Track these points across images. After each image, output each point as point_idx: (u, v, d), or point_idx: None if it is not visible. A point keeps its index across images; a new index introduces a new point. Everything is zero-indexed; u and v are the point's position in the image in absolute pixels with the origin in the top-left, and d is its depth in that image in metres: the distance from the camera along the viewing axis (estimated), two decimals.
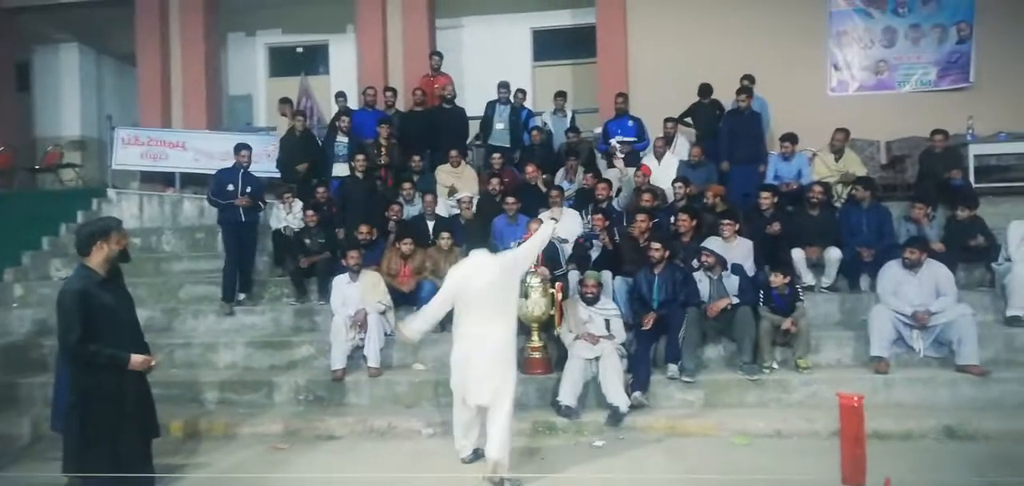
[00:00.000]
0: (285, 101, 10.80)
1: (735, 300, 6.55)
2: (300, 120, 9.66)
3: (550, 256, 7.10)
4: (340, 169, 9.27)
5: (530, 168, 8.70)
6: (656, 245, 6.77)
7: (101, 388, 4.13)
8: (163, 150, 11.07)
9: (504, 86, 9.93)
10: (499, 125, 9.85)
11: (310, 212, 8.30)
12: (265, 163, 9.99)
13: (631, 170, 8.79)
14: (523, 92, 10.33)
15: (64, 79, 14.02)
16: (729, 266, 6.77)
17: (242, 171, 8.10)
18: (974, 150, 9.22)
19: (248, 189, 8.05)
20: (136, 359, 4.21)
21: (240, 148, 8.22)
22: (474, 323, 4.91)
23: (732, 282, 6.69)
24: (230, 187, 8.01)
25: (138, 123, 11.89)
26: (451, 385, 5.16)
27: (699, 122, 9.57)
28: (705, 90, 9.55)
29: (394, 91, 10.35)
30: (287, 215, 8.60)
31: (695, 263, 6.90)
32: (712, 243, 7.04)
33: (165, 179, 11.22)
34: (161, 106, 11.86)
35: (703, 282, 6.74)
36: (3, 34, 12.62)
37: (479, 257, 5.10)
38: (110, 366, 4.12)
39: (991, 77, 10.27)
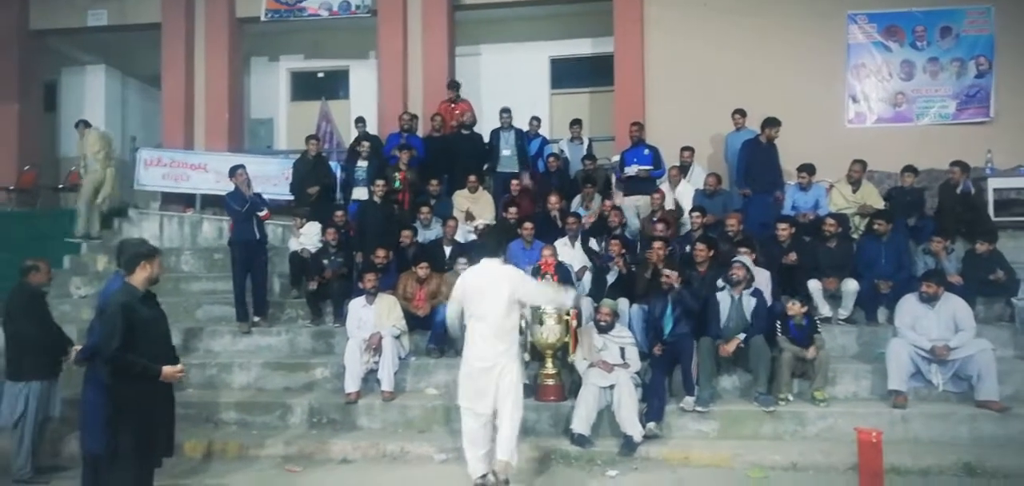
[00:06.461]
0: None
1: (742, 337, 6.49)
2: (314, 144, 9.77)
3: (562, 276, 7.12)
4: (360, 193, 9.36)
5: (553, 198, 8.73)
6: (668, 271, 6.76)
7: (135, 401, 4.36)
8: (185, 172, 11.24)
9: (506, 112, 9.99)
10: (506, 151, 9.87)
11: (331, 230, 8.36)
12: (283, 186, 10.12)
13: (644, 199, 8.83)
14: (537, 119, 10.41)
15: (90, 100, 14.26)
16: (752, 286, 6.75)
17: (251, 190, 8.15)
18: (994, 183, 9.15)
19: (264, 208, 8.14)
20: (167, 370, 4.46)
21: (235, 169, 8.17)
22: (479, 332, 5.10)
23: (750, 303, 6.65)
24: (244, 207, 8.03)
25: (161, 144, 12.09)
26: (458, 398, 5.26)
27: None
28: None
29: (414, 116, 10.45)
30: (299, 238, 8.68)
31: (720, 282, 6.87)
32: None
33: (185, 200, 11.36)
34: (184, 128, 12.05)
35: (724, 301, 6.71)
36: (32, 55, 12.89)
37: (488, 263, 5.29)
38: (143, 377, 4.36)
39: (1011, 111, 10.20)
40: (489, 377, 5.05)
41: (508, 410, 5.06)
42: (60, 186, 13.00)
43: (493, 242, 5.67)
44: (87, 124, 10.91)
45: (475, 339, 5.12)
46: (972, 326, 6.36)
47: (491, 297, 5.08)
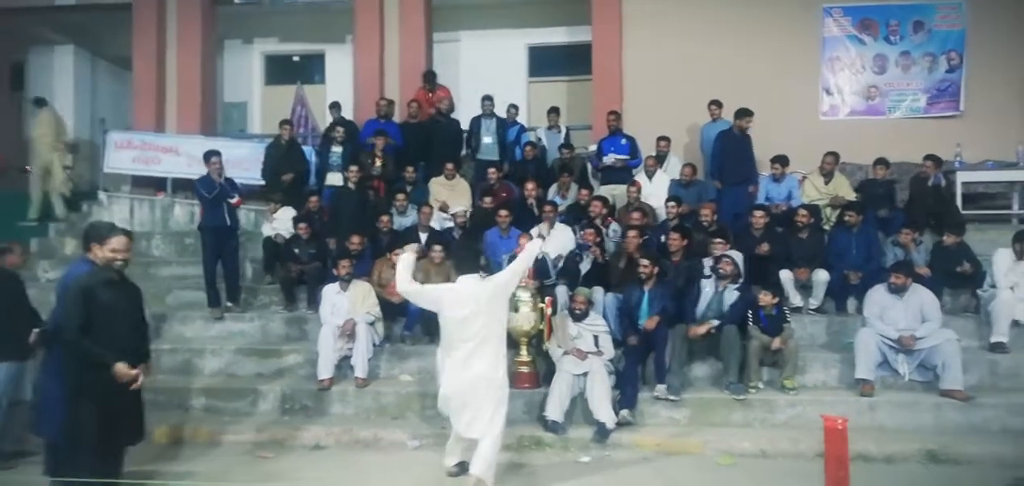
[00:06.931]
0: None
1: (716, 323, 6.56)
2: (287, 129, 9.65)
3: (539, 266, 7.11)
4: (334, 178, 9.28)
5: (529, 186, 8.72)
6: (644, 262, 6.80)
7: (93, 387, 4.28)
8: (156, 154, 11.05)
9: (488, 99, 9.96)
10: (487, 139, 9.86)
11: (303, 225, 8.26)
12: (256, 171, 9.99)
13: (620, 189, 8.85)
14: (515, 107, 10.39)
15: (58, 81, 13.92)
16: (739, 281, 6.79)
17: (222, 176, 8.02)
18: (962, 177, 9.32)
19: (236, 195, 8.03)
20: (119, 368, 4.34)
21: (210, 156, 8.01)
22: (461, 354, 4.83)
23: (732, 296, 6.70)
24: (213, 193, 7.90)
25: (131, 127, 11.87)
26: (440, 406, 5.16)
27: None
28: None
29: (391, 102, 10.38)
30: (272, 223, 8.59)
31: (707, 270, 6.91)
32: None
33: (156, 183, 11.19)
34: (155, 110, 11.81)
35: (707, 291, 6.75)
36: None
37: (467, 284, 5.00)
38: (98, 365, 4.28)
39: (980, 106, 10.36)
40: (477, 403, 4.83)
41: (495, 431, 4.84)
42: (26, 167, 12.74)
43: (470, 258, 5.56)
44: (43, 102, 10.62)
45: (459, 358, 4.84)
46: (938, 317, 6.48)
47: (471, 319, 4.82)
